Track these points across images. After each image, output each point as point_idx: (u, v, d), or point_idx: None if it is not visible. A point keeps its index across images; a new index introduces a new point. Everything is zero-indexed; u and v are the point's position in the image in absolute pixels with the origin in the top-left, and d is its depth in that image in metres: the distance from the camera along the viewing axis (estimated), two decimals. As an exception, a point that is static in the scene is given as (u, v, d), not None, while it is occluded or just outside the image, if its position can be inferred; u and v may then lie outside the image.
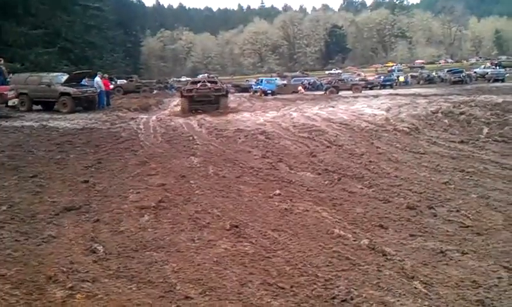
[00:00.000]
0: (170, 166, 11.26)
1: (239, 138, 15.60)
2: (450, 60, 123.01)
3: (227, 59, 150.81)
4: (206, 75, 62.74)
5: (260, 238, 6.28)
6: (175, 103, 33.86)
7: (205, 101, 25.77)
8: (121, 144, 15.12)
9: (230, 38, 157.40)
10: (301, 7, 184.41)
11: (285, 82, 61.51)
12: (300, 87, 53.87)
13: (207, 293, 4.67)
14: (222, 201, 8.13)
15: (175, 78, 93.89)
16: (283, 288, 4.81)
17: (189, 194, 8.62)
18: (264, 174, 10.29)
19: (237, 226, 6.67)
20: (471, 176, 9.86)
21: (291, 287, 4.83)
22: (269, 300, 4.55)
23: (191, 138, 15.90)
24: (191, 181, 9.60)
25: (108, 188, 9.18)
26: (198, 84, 27.18)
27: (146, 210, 7.62)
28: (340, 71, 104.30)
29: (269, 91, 48.53)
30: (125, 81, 56.63)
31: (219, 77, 34.59)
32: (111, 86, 33.75)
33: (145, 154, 13.05)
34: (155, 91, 54.70)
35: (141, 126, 19.84)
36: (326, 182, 9.61)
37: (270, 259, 5.58)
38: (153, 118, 23.70)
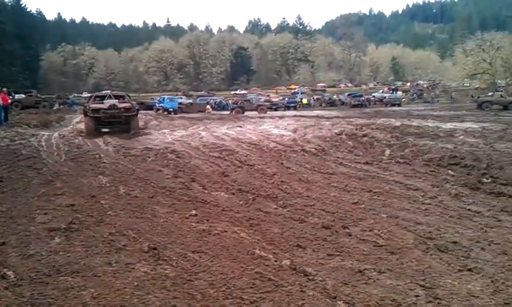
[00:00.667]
0: (77, 186, 10.82)
1: (148, 157, 15.32)
2: (350, 84, 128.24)
3: (131, 76, 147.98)
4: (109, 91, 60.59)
5: (180, 261, 6.13)
6: (77, 119, 32.77)
7: (114, 122, 22.82)
8: (22, 161, 14.39)
9: (135, 55, 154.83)
10: (207, 27, 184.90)
11: (191, 101, 61.41)
12: (208, 107, 53.98)
13: (131, 320, 4.48)
14: (136, 222, 7.89)
15: (75, 94, 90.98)
16: (208, 312, 4.72)
17: (100, 215, 8.30)
18: (177, 194, 10.13)
19: (155, 248, 6.48)
20: (378, 196, 10.23)
21: (217, 311, 4.74)
22: (196, 324, 4.44)
23: (97, 156, 15.41)
24: (102, 202, 9.25)
25: (12, 208, 8.66)
26: (105, 102, 23.74)
27: (56, 232, 7.24)
28: (245, 91, 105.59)
29: (171, 109, 48.26)
30: (23, 96, 54.04)
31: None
32: (9, 101, 32.07)
33: (49, 173, 12.49)
34: (55, 107, 52.77)
35: (43, 144, 19.01)
36: (241, 202, 9.61)
37: (192, 282, 5.46)
38: (56, 134, 22.81)
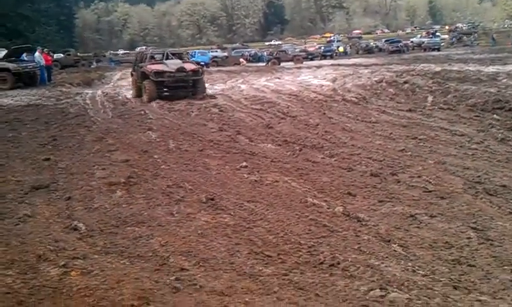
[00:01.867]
0: (129, 141, 11.19)
1: (192, 111, 15.60)
2: (386, 30, 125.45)
3: (165, 31, 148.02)
4: (144, 48, 60.35)
5: (237, 210, 6.41)
6: (118, 77, 33.23)
7: (180, 86, 19.50)
8: (71, 119, 14.87)
9: (167, 10, 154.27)
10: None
11: (226, 54, 61.25)
12: (242, 60, 53.83)
13: (201, 264, 4.78)
14: (191, 175, 8.20)
15: (111, 52, 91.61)
16: (270, 256, 4.98)
17: (155, 169, 8.64)
18: (225, 147, 10.40)
19: (212, 199, 6.78)
20: (424, 143, 10.30)
21: (278, 255, 5.00)
22: (260, 268, 4.72)
23: (142, 113, 15.77)
24: (155, 156, 9.60)
25: (71, 165, 9.07)
26: (168, 63, 19.96)
27: (117, 186, 7.59)
28: (279, 42, 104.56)
29: (203, 63, 48.29)
30: (62, 55, 54.81)
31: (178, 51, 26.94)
32: (51, 61, 32.63)
33: (100, 130, 12.90)
34: (93, 65, 53.37)
35: (88, 102, 19.48)
36: (288, 153, 9.82)
37: (251, 229, 5.73)
38: (99, 92, 23.26)
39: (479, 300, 4.07)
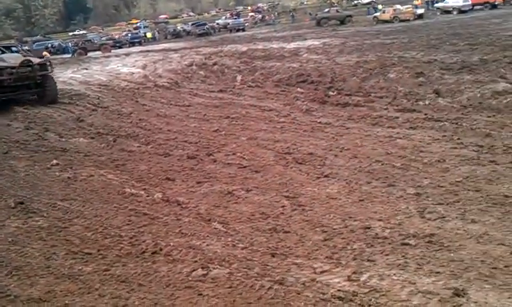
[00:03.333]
0: None
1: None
2: (192, 13, 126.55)
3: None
4: None
5: (51, 211, 6.04)
6: None
7: (22, 87, 14.20)
8: None
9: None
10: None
11: (27, 47, 57.29)
12: (45, 53, 50.72)
13: (14, 273, 4.42)
14: (-6, 180, 7.55)
15: None
16: (90, 254, 4.78)
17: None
18: (33, 146, 9.71)
19: (22, 203, 6.30)
20: (237, 121, 10.64)
21: (98, 251, 4.82)
22: (80, 267, 4.50)
23: None
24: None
25: None
26: (5, 57, 14.73)
27: None
28: (84, 31, 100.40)
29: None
30: None
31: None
32: None
33: None
34: None
35: None
36: (102, 145, 9.51)
37: (68, 229, 5.45)
38: None
39: (295, 264, 4.31)
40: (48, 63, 15.17)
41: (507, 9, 44.54)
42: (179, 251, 4.68)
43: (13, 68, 13.64)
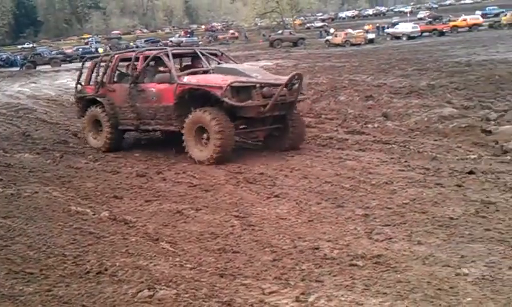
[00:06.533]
0: None
1: None
2: (145, 30, 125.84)
3: None
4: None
5: (-10, 229, 5.82)
6: None
7: (276, 119, 9.59)
8: None
9: None
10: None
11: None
12: (-8, 65, 49.46)
13: None
14: None
15: None
16: (32, 274, 4.60)
17: None
18: (-27, 162, 9.40)
19: (-39, 220, 6.05)
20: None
21: (40, 271, 4.64)
22: (21, 287, 4.31)
23: None
24: None
25: None
26: (243, 70, 9.67)
27: None
28: (34, 45, 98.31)
29: None
30: None
31: None
32: None
33: None
34: None
35: None
36: (48, 161, 9.29)
37: (9, 247, 5.24)
38: None
39: (244, 284, 4.26)
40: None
41: (453, 37, 46.20)
42: (125, 271, 4.56)
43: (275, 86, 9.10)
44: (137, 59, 10.02)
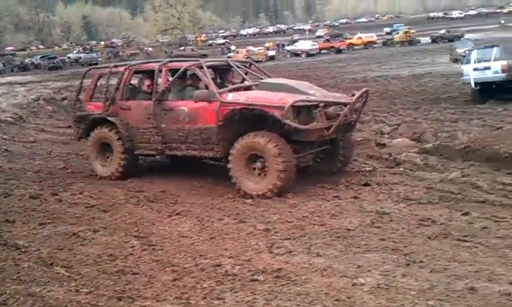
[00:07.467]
0: None
1: None
2: (41, 46, 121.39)
3: None
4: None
5: None
6: None
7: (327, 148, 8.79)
8: None
9: None
10: None
11: None
12: None
13: None
14: None
15: None
16: None
17: None
18: None
19: None
20: (84, 158, 10.17)
21: None
22: None
23: None
24: None
25: None
26: (302, 87, 8.37)
27: None
28: None
29: None
30: None
31: None
32: None
33: None
34: None
35: None
36: None
37: None
38: None
39: (143, 306, 4.15)
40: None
41: (350, 54, 48.22)
42: (16, 299, 4.28)
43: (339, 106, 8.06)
44: (160, 71, 8.75)
